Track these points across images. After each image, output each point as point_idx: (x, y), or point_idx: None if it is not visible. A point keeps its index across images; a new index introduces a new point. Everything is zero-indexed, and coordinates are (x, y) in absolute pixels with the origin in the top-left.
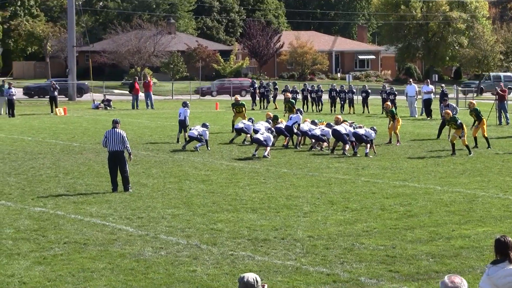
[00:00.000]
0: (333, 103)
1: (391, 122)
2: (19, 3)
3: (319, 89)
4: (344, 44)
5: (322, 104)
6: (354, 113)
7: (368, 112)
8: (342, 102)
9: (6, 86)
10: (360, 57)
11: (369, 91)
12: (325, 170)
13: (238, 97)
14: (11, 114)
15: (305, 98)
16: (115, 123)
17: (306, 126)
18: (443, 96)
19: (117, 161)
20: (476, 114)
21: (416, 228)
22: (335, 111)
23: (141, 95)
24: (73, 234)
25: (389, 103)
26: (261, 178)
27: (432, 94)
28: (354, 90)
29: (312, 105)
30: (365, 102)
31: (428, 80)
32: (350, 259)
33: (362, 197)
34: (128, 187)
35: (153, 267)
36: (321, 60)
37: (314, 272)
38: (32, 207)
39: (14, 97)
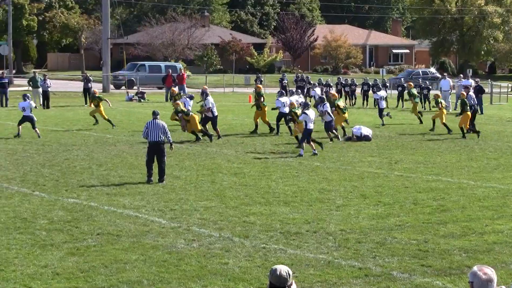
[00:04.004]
0: (365, 97)
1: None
2: None
3: (353, 82)
4: (378, 38)
5: (355, 98)
6: (387, 107)
7: (402, 106)
8: None
9: (38, 78)
10: (394, 51)
11: (405, 85)
12: (358, 164)
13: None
14: (46, 106)
15: (339, 91)
16: (155, 114)
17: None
18: (479, 90)
19: (157, 152)
20: None
21: (449, 222)
22: (367, 105)
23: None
24: (106, 225)
25: (438, 93)
26: (294, 171)
27: (471, 88)
28: (387, 85)
29: (346, 99)
30: (400, 95)
31: (469, 74)
32: (382, 253)
33: (395, 191)
34: (163, 179)
35: (185, 259)
36: (355, 54)
37: (346, 266)
38: (65, 198)
39: (49, 89)
